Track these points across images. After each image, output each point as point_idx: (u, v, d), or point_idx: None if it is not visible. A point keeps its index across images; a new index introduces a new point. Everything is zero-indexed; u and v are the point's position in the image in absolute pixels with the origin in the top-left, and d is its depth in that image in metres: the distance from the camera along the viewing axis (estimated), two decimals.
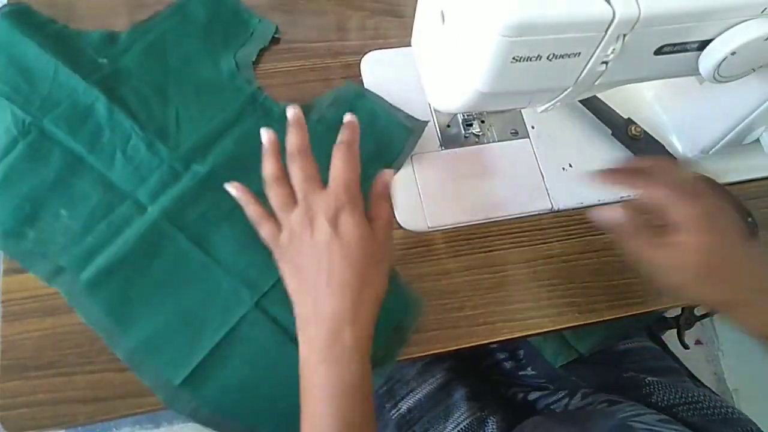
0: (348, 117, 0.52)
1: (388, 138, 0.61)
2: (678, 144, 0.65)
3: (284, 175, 0.49)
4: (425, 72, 0.54)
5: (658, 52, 0.43)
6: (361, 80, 0.64)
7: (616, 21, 0.39)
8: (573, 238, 0.60)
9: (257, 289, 0.53)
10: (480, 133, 0.63)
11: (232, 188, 0.51)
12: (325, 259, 0.46)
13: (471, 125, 0.63)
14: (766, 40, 0.42)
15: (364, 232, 0.47)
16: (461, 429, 0.59)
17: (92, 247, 0.52)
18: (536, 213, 0.61)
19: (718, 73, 0.45)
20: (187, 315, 0.52)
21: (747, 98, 0.56)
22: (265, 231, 0.49)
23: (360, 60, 0.65)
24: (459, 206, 0.59)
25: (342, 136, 0.50)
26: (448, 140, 0.63)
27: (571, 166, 0.63)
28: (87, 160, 0.55)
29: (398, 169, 0.60)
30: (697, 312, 0.88)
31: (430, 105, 0.62)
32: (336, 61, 0.65)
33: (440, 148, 0.62)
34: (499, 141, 0.63)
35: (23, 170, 0.54)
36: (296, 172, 0.49)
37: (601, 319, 0.57)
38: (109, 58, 0.60)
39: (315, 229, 0.47)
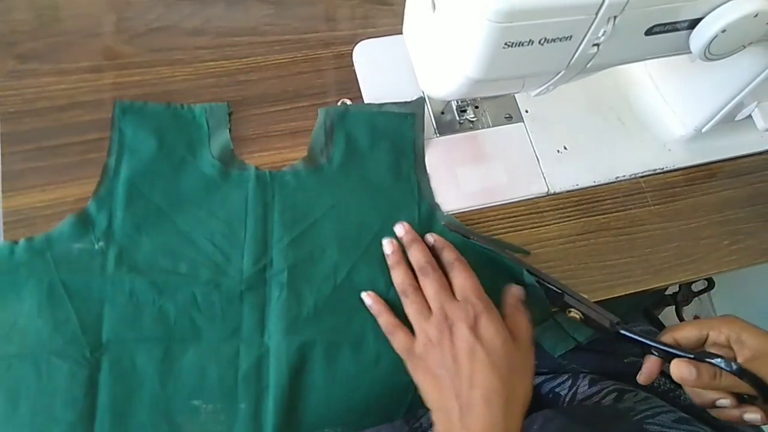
0: (431, 238, 0.54)
1: (396, 133, 0.60)
2: (671, 122, 0.65)
3: (417, 285, 0.51)
4: (417, 60, 0.54)
5: (649, 32, 0.44)
6: (354, 70, 0.64)
7: (606, 3, 0.39)
8: (569, 220, 0.61)
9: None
10: (474, 119, 0.63)
11: (367, 297, 0.52)
12: (468, 366, 0.46)
13: (465, 111, 0.63)
14: (755, 17, 0.42)
15: (507, 337, 0.48)
16: None
17: (254, 412, 0.50)
18: (532, 197, 0.61)
19: (708, 51, 0.45)
20: None
21: (739, 75, 0.57)
22: (398, 340, 0.50)
23: (352, 50, 0.65)
24: (456, 192, 0.60)
25: (446, 256, 0.53)
26: (443, 127, 0.63)
27: (565, 148, 0.63)
28: (172, 343, 0.51)
29: (422, 154, 0.60)
30: (695, 288, 0.89)
31: (423, 92, 0.62)
32: (328, 51, 0.65)
33: (435, 135, 0.62)
34: (493, 126, 0.63)
35: (126, 395, 0.49)
36: (430, 283, 0.50)
37: (599, 300, 0.58)
38: (102, 238, 0.53)
39: (455, 336, 0.47)
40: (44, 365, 0.48)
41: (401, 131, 0.60)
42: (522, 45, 0.41)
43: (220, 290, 0.52)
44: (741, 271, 0.63)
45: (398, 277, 0.52)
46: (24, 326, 0.49)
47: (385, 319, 0.51)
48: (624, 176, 0.63)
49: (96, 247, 0.52)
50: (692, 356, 0.46)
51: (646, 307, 0.77)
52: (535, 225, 0.60)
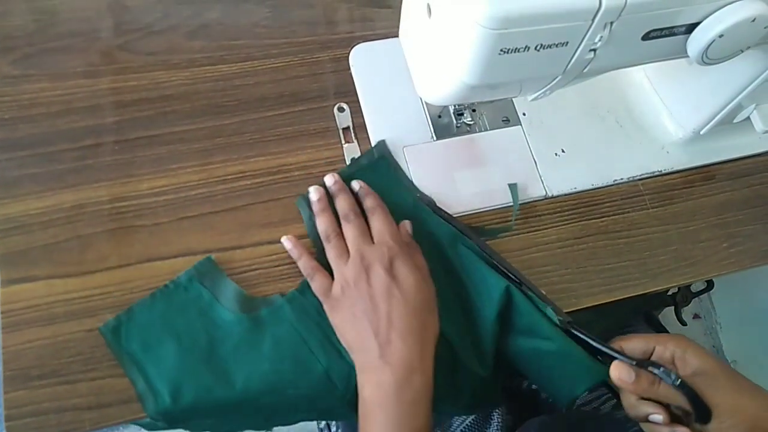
0: (356, 185, 0.56)
1: (377, 181, 0.58)
2: (669, 124, 0.65)
3: (339, 230, 0.53)
4: (413, 64, 0.54)
5: (646, 37, 0.43)
6: (351, 73, 0.64)
7: (602, 9, 0.39)
8: (568, 224, 0.61)
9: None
10: (471, 122, 0.63)
11: (286, 240, 0.55)
12: (385, 305, 0.48)
13: (462, 114, 0.63)
14: (753, 21, 0.42)
15: (419, 278, 0.50)
16: (467, 425, 0.60)
17: None
18: (530, 200, 0.61)
19: (706, 56, 0.45)
20: None
21: (737, 77, 0.56)
22: (317, 282, 0.52)
23: (349, 53, 0.65)
24: (453, 196, 0.59)
25: (368, 202, 0.55)
26: (440, 130, 0.63)
27: (563, 151, 0.63)
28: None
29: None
30: (694, 289, 0.89)
31: (420, 97, 0.62)
32: (325, 54, 0.65)
33: (432, 139, 0.62)
34: (490, 129, 0.63)
35: None
36: (350, 228, 0.52)
37: (599, 303, 0.58)
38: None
39: (372, 278, 0.49)
40: None
41: (381, 177, 0.59)
42: (518, 51, 0.41)
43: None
44: (741, 271, 0.63)
45: (322, 223, 0.54)
46: None
47: (304, 262, 0.53)
48: (622, 179, 0.63)
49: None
50: (634, 362, 0.47)
51: (647, 311, 0.77)
52: (532, 229, 0.60)
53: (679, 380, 0.44)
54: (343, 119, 0.62)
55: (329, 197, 0.57)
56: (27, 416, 0.48)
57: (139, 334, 0.50)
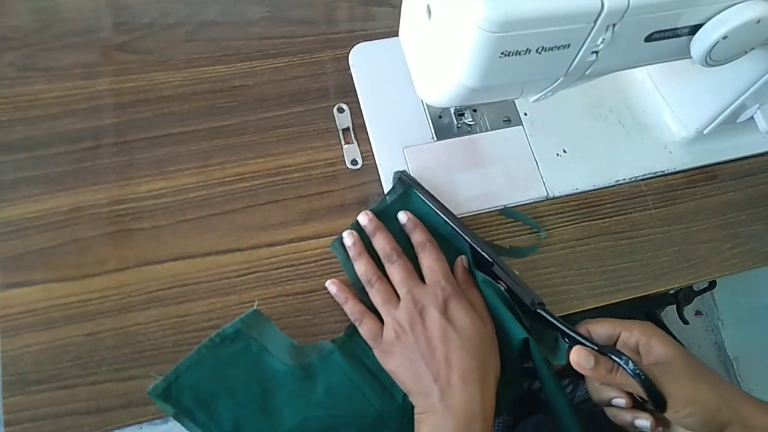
0: (403, 217, 0.55)
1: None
2: (672, 124, 0.64)
3: (381, 273, 0.52)
4: (413, 65, 0.53)
5: (649, 39, 0.43)
6: (350, 73, 0.63)
7: (605, 11, 0.38)
8: (570, 225, 0.60)
9: None
10: (472, 123, 0.63)
11: (330, 284, 0.53)
12: (442, 348, 0.47)
13: (463, 115, 0.63)
14: (758, 23, 0.41)
15: (475, 317, 0.49)
16: None
17: None
18: (532, 201, 0.60)
19: (710, 58, 0.44)
20: None
21: (741, 77, 0.56)
22: (367, 327, 0.51)
23: (349, 52, 0.64)
24: (454, 197, 0.59)
25: (417, 237, 0.53)
26: (441, 131, 0.62)
27: (565, 151, 0.62)
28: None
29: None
30: (696, 287, 0.88)
31: (420, 98, 0.61)
32: (324, 54, 0.64)
33: (433, 140, 0.61)
34: (492, 129, 0.63)
35: None
36: (396, 270, 0.51)
37: (600, 305, 0.58)
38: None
39: (426, 321, 0.48)
40: None
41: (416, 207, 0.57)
42: (519, 54, 0.40)
43: None
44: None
45: (361, 267, 0.53)
46: None
47: (350, 307, 0.52)
48: (624, 179, 0.62)
49: None
50: (596, 348, 0.47)
51: (649, 309, 0.77)
52: (533, 230, 0.59)
53: (637, 369, 0.44)
54: (343, 120, 0.61)
55: (364, 236, 0.55)
56: (26, 421, 0.48)
57: (192, 391, 0.48)
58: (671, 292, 0.88)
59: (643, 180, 0.63)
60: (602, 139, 0.64)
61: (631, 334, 0.48)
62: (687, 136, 0.63)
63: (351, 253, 0.54)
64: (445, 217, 0.55)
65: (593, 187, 0.62)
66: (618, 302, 0.58)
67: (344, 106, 0.62)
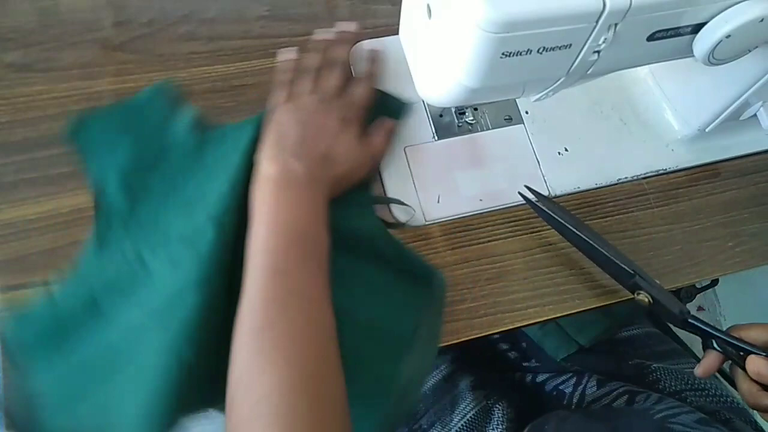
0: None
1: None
2: (674, 121, 0.64)
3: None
4: (414, 65, 0.53)
5: (651, 38, 0.42)
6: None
7: (606, 11, 0.38)
8: None
9: None
10: (473, 121, 0.62)
11: (289, 51, 0.59)
12: (334, 122, 0.52)
13: (464, 114, 0.62)
14: (761, 21, 0.41)
15: (358, 145, 0.54)
16: (468, 420, 0.60)
17: None
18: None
19: (712, 56, 0.44)
20: None
21: (743, 74, 0.55)
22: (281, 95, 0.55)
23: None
24: (455, 197, 0.59)
25: (367, 67, 0.59)
26: (442, 130, 0.62)
27: (566, 150, 0.62)
28: None
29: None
30: (698, 284, 0.88)
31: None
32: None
33: (434, 139, 0.61)
34: (493, 128, 0.62)
35: None
36: (333, 75, 0.56)
37: (603, 304, 0.57)
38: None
39: (327, 111, 0.53)
40: None
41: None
42: (520, 54, 0.40)
43: None
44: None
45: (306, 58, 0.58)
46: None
47: (282, 75, 0.57)
48: (626, 178, 0.62)
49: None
50: (765, 354, 0.46)
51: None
52: (536, 229, 0.59)
53: None
54: None
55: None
56: None
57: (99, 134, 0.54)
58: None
59: (645, 178, 0.63)
60: (604, 137, 0.63)
61: None
62: (689, 133, 0.63)
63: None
64: (579, 232, 0.54)
65: (595, 186, 0.61)
66: (622, 301, 0.58)
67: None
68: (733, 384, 0.51)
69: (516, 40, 0.38)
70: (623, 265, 0.53)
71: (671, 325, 0.77)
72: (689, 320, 0.50)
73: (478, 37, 0.38)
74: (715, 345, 0.50)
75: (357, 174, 0.54)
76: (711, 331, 0.49)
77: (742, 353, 0.48)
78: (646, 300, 0.52)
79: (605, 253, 0.53)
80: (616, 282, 0.54)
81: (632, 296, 0.58)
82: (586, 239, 0.54)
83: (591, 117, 0.64)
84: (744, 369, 0.47)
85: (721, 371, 0.53)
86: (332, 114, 0.53)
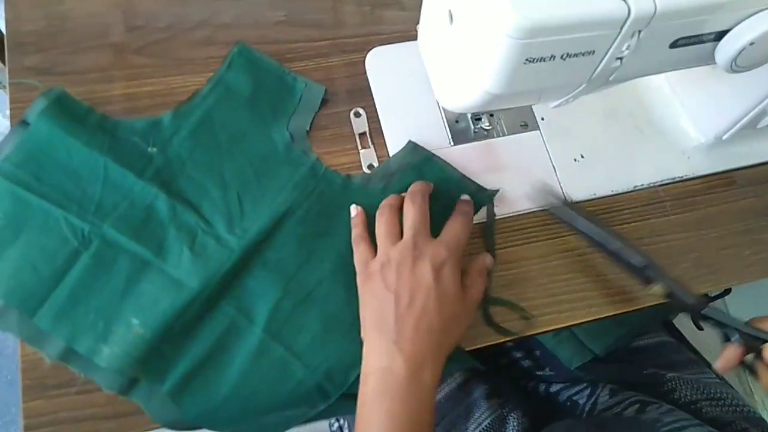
0: (419, 185, 0.53)
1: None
2: (690, 129, 0.64)
3: (396, 214, 0.52)
4: (433, 71, 0.53)
5: (674, 45, 0.42)
6: (366, 77, 0.63)
7: (631, 18, 0.38)
8: None
9: (342, 384, 0.51)
10: (489, 128, 0.62)
11: (354, 208, 0.55)
12: (421, 299, 0.47)
13: (480, 119, 0.62)
14: None
15: (459, 291, 0.49)
16: (483, 429, 0.59)
17: (169, 355, 0.50)
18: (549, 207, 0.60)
19: (735, 64, 0.44)
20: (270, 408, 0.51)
21: (761, 82, 0.55)
22: (360, 251, 0.51)
23: (364, 57, 0.64)
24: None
25: (459, 205, 0.54)
26: (458, 136, 0.62)
27: (582, 156, 0.62)
28: (154, 263, 0.52)
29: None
30: (710, 294, 0.87)
31: (438, 103, 0.61)
32: (339, 59, 0.64)
33: (450, 144, 0.61)
34: (509, 134, 0.62)
35: (91, 284, 0.51)
36: (413, 210, 0.50)
37: (619, 312, 0.57)
38: (158, 146, 0.56)
39: (417, 269, 0.47)
40: (54, 214, 0.52)
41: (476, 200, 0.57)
42: (543, 60, 0.40)
43: (219, 244, 0.53)
44: None
45: (384, 200, 0.53)
46: (63, 167, 0.53)
47: (357, 232, 0.53)
48: (642, 185, 0.62)
49: (149, 150, 0.55)
50: None
51: (666, 318, 0.76)
52: (551, 236, 0.59)
53: None
54: (360, 124, 0.61)
55: None
56: (45, 426, 0.48)
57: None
58: None
59: (661, 186, 0.62)
60: (620, 144, 0.63)
61: None
62: (706, 141, 0.63)
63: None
64: (597, 226, 0.54)
65: (611, 193, 0.61)
66: (637, 310, 0.58)
67: (361, 111, 0.62)
68: (754, 375, 0.51)
69: (540, 46, 0.38)
70: (636, 255, 0.53)
71: (691, 321, 0.76)
72: (704, 313, 0.50)
73: (503, 43, 0.38)
74: (732, 338, 0.50)
75: (466, 324, 0.51)
76: (730, 323, 0.49)
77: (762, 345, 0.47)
78: (660, 292, 0.52)
79: (615, 241, 0.53)
80: (633, 274, 0.54)
81: (647, 305, 0.58)
82: (603, 231, 0.54)
83: (607, 124, 0.64)
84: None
85: (742, 363, 0.53)
86: (424, 271, 0.48)
